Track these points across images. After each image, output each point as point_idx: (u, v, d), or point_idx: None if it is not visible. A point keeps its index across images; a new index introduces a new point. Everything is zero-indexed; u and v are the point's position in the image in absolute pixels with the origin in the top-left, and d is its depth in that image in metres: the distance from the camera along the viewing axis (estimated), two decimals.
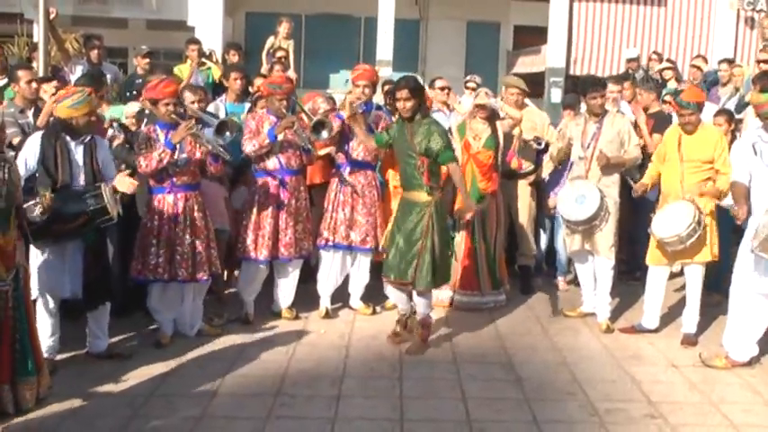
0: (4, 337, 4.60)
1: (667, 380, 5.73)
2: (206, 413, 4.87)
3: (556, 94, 13.79)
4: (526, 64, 15.74)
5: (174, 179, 5.96)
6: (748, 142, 5.95)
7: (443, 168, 6.08)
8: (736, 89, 8.24)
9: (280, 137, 6.42)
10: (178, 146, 5.87)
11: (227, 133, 6.09)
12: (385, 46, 14.09)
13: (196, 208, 6.06)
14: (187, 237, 5.98)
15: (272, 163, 6.51)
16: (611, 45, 14.55)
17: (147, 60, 9.53)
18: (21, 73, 6.55)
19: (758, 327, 5.91)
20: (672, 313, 7.02)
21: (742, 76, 8.22)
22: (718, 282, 6.92)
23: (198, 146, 6.03)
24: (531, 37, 15.86)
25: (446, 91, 8.51)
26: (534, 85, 11.12)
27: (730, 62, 9.36)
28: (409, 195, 5.99)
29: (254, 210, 6.50)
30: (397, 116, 6.37)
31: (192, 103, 6.57)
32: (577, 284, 7.45)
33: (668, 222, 6.23)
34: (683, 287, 6.91)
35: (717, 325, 6.65)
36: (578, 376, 5.67)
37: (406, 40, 15.73)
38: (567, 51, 14.64)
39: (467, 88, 8.79)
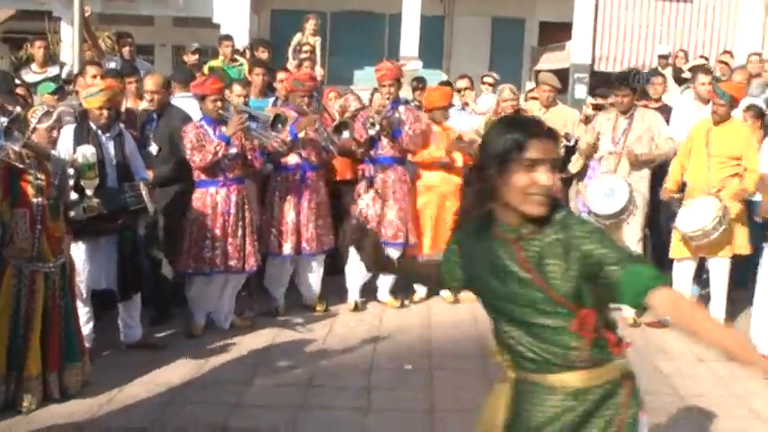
0: (53, 325, 4.74)
1: (694, 373, 5.76)
2: (240, 402, 4.97)
3: (580, 91, 13.79)
4: (551, 60, 15.74)
5: (228, 173, 6.08)
6: None
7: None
8: (767, 84, 8.23)
9: (301, 134, 6.50)
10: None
11: (280, 126, 6.23)
12: (410, 42, 14.15)
13: (245, 200, 6.18)
14: (239, 229, 6.10)
15: (293, 159, 6.59)
16: (636, 41, 14.54)
17: (196, 57, 9.63)
18: (89, 68, 6.66)
19: None
20: None
21: None
22: (745, 277, 6.93)
23: (246, 140, 6.13)
24: (557, 33, 15.86)
25: (463, 91, 8.49)
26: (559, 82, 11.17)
27: (760, 55, 9.35)
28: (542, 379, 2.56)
29: (276, 205, 6.59)
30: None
31: (239, 96, 6.71)
32: None
33: (693, 217, 6.26)
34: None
35: (744, 319, 6.66)
36: None
37: (431, 37, 15.76)
38: (592, 48, 14.64)
39: (483, 84, 8.80)
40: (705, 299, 6.83)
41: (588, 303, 2.40)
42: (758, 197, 6.09)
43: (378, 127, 6.66)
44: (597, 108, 8.08)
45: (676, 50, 11.29)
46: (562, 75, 13.83)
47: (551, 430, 2.51)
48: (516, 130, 2.36)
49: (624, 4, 14.63)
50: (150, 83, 6.58)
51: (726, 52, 10.66)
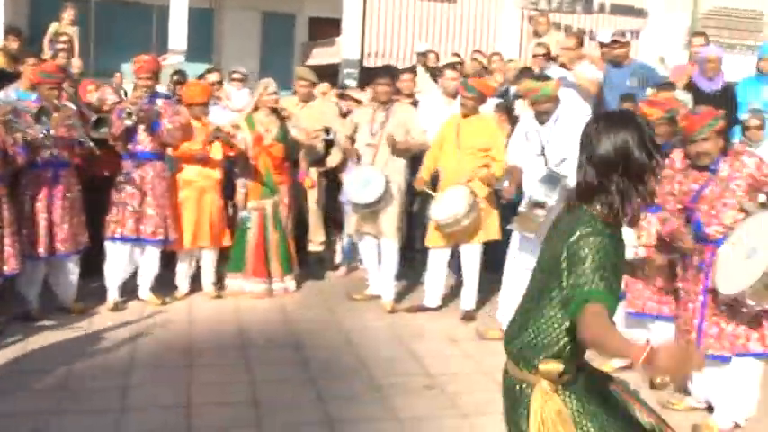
0: None
1: (446, 353, 6.12)
2: None
3: (350, 86, 14.10)
4: (321, 55, 15.97)
5: None
6: (522, 130, 6.44)
7: None
8: (511, 82, 8.79)
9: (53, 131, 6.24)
10: None
11: (45, 119, 6.00)
12: (178, 36, 13.89)
13: (2, 200, 5.88)
14: None
15: (44, 155, 6.30)
16: (403, 39, 15.02)
17: None
18: None
19: None
20: (453, 292, 7.46)
21: (515, 69, 8.81)
22: (500, 262, 7.39)
23: (7, 134, 5.81)
24: (326, 29, 16.13)
25: (215, 85, 8.39)
26: (329, 77, 11.39)
27: (501, 56, 10.05)
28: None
29: (27, 205, 6.24)
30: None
31: None
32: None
33: (445, 206, 6.62)
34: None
35: (494, 300, 7.12)
36: (363, 355, 5.95)
37: (200, 30, 15.54)
38: (361, 44, 14.99)
39: (233, 80, 8.80)
40: (459, 283, 7.23)
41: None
42: (506, 184, 6.53)
43: (134, 117, 6.50)
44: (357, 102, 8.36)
45: (436, 49, 11.78)
46: (333, 70, 14.18)
47: None
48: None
49: (392, 3, 15.09)
50: None
51: (477, 51, 11.29)
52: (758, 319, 4.68)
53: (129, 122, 6.51)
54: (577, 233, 2.62)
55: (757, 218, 4.62)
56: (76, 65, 9.33)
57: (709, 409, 5.00)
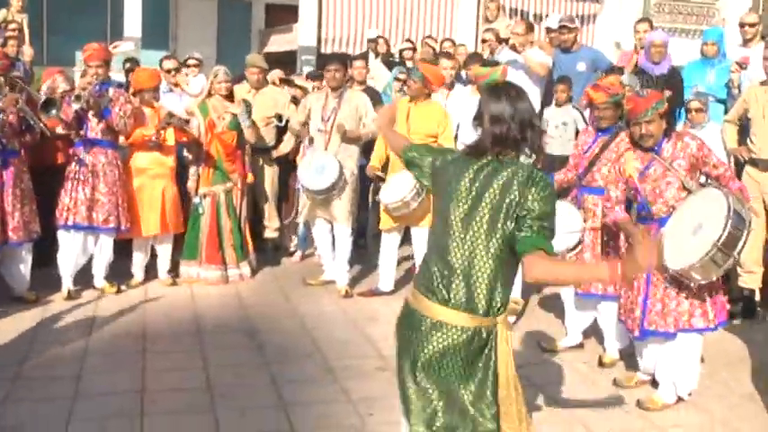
0: None
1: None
2: None
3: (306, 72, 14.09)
4: (279, 42, 15.94)
5: None
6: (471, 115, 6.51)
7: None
8: (461, 67, 8.89)
9: (1, 115, 6.22)
10: None
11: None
12: (133, 22, 13.75)
13: None
14: None
15: None
16: (360, 25, 15.02)
17: None
18: None
19: None
20: (407, 276, 7.55)
21: (465, 54, 8.91)
22: None
23: None
24: (284, 15, 16.08)
25: (172, 72, 8.37)
26: (287, 64, 11.39)
27: (453, 42, 10.13)
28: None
29: None
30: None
31: None
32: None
33: (394, 190, 6.69)
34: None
35: None
36: (317, 339, 6.02)
37: (156, 17, 15.41)
38: (318, 30, 14.97)
39: (188, 66, 8.78)
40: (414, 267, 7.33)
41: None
42: None
43: (83, 102, 6.49)
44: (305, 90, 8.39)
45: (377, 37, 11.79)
46: (291, 57, 14.17)
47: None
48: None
49: None
50: None
51: (429, 36, 11.37)
52: (701, 294, 4.82)
53: (75, 105, 6.49)
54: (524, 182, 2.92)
55: (701, 194, 4.77)
56: (27, 53, 9.24)
57: (654, 383, 5.15)
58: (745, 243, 4.51)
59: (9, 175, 6.32)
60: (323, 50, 14.77)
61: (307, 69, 13.45)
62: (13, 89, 6.46)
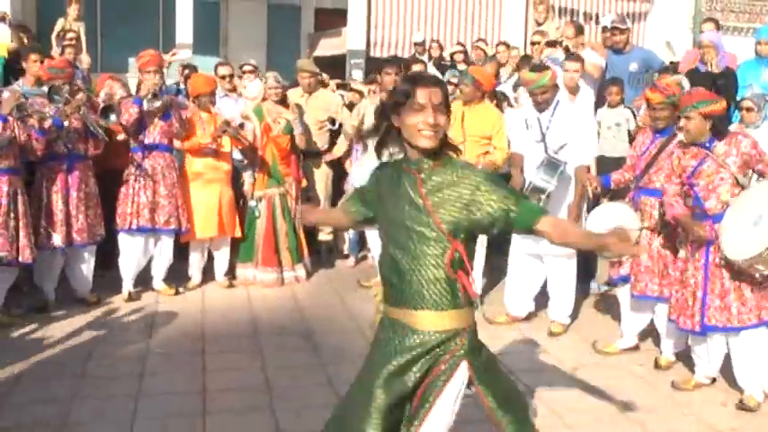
0: None
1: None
2: (7, 401, 4.85)
3: (357, 76, 14.17)
4: (328, 46, 16.04)
5: None
6: (522, 117, 6.54)
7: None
8: (514, 70, 8.91)
9: (66, 122, 6.38)
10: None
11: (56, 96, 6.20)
12: (184, 28, 13.98)
13: (18, 191, 6.06)
14: (11, 220, 5.98)
15: (59, 149, 6.44)
16: (408, 28, 15.06)
17: None
18: None
19: (533, 285, 6.54)
20: None
21: (518, 57, 8.91)
22: (501, 246, 7.50)
23: (19, 127, 6.00)
24: (332, 19, 16.19)
25: (227, 78, 8.50)
26: (336, 68, 11.48)
27: (507, 45, 10.09)
28: (410, 317, 2.94)
29: (44, 196, 6.42)
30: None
31: None
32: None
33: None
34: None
35: (500, 287, 7.23)
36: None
37: (207, 23, 15.65)
38: (367, 34, 15.04)
39: (244, 72, 8.90)
40: None
41: (461, 236, 2.84)
42: (505, 170, 6.65)
43: (162, 102, 6.69)
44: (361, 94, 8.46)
45: (431, 41, 11.80)
46: (340, 60, 14.27)
47: (393, 366, 2.92)
48: (407, 82, 2.88)
49: None
50: None
51: (480, 39, 11.36)
52: (764, 289, 4.81)
53: (156, 104, 6.70)
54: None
55: (758, 187, 4.78)
56: (85, 60, 9.47)
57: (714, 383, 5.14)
58: None
59: (74, 179, 6.50)
60: (372, 54, 14.85)
61: (356, 73, 13.59)
62: (73, 95, 6.61)
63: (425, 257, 2.85)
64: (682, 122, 4.96)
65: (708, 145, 4.91)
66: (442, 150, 2.91)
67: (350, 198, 3.40)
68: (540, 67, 6.37)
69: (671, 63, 8.22)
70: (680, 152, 5.08)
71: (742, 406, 4.93)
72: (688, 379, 5.30)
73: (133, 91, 7.52)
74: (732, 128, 6.13)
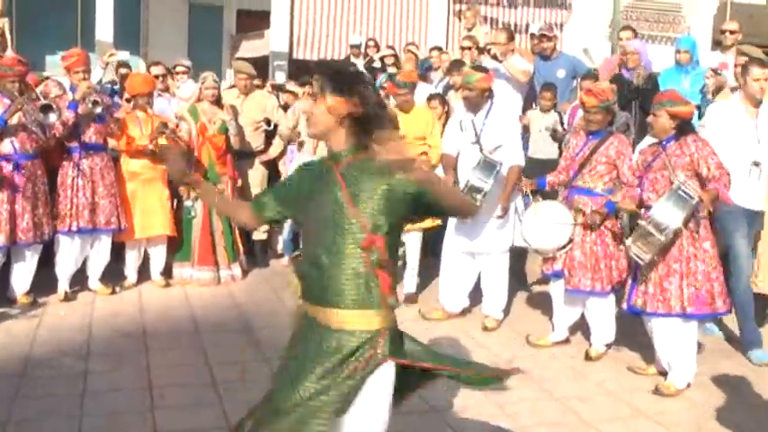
0: None
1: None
2: None
3: (280, 78, 14.19)
4: (250, 48, 15.99)
5: None
6: (456, 120, 6.74)
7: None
8: (445, 74, 9.11)
9: (12, 120, 6.32)
10: None
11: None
12: (105, 25, 13.71)
13: None
14: None
15: (5, 147, 6.38)
16: (332, 31, 15.14)
17: None
18: None
19: (467, 281, 6.74)
20: (396, 276, 7.69)
21: (449, 61, 9.12)
22: (436, 247, 7.67)
23: None
24: (255, 21, 16.15)
25: (160, 78, 8.42)
26: (259, 69, 11.48)
27: (440, 50, 10.33)
28: (327, 315, 2.87)
29: None
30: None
31: None
32: None
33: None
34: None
35: (435, 284, 7.37)
36: None
37: (127, 20, 15.39)
38: (290, 36, 15.07)
39: (176, 73, 8.88)
40: (402, 270, 7.48)
41: (382, 230, 2.78)
42: (440, 170, 6.83)
43: (101, 107, 6.69)
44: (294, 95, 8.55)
45: (367, 41, 11.97)
46: (262, 62, 14.25)
47: (318, 368, 2.80)
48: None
49: None
50: None
51: (411, 43, 11.56)
52: (691, 280, 5.20)
53: (98, 110, 6.70)
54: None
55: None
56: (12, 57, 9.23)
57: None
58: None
59: (21, 178, 6.43)
60: (295, 56, 14.88)
61: (279, 75, 13.63)
62: (22, 94, 6.54)
63: (346, 252, 2.78)
64: (650, 118, 5.37)
65: (665, 144, 5.29)
66: (361, 143, 2.85)
67: (263, 198, 3.17)
68: (481, 69, 6.63)
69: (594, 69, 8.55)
70: (648, 148, 5.53)
71: (657, 391, 5.25)
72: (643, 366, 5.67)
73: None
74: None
